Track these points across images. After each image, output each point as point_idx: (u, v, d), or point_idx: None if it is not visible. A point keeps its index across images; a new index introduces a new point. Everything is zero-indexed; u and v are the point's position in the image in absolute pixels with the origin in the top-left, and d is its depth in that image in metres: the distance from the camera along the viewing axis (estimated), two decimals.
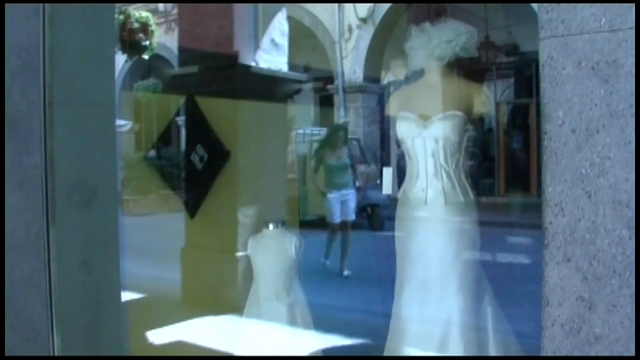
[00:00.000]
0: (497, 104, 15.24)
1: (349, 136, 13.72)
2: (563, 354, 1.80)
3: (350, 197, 8.29)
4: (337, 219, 8.15)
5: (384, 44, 14.98)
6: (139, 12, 8.33)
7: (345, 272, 7.90)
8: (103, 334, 3.01)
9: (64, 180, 2.84)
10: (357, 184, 9.25)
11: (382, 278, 5.83)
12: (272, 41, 6.39)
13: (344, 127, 9.27)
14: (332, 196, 8.10)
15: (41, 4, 2.78)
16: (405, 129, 3.55)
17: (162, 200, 12.53)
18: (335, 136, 8.52)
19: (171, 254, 6.34)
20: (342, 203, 8.15)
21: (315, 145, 12.69)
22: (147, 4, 10.13)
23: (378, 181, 10.57)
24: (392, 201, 5.55)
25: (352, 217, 8.32)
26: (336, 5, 15.43)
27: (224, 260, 5.86)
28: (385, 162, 14.63)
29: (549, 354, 1.83)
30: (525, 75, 14.95)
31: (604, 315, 1.75)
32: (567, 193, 1.79)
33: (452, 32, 3.52)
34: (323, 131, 14.63)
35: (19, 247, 2.73)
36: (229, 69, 6.10)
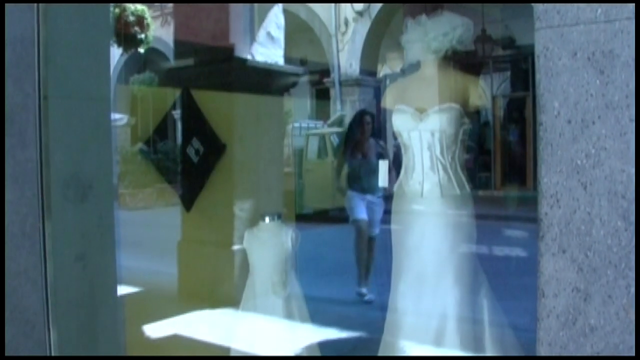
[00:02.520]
0: (494, 98, 15.24)
1: (343, 130, 13.74)
2: (559, 345, 1.80)
3: (377, 205, 6.39)
4: (362, 214, 6.38)
5: (381, 37, 14.98)
6: (135, 6, 8.29)
7: (367, 297, 6.17)
8: (99, 328, 3.01)
9: (59, 174, 2.84)
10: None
11: (379, 271, 5.84)
12: (268, 34, 6.38)
13: (369, 112, 6.94)
14: (354, 192, 6.44)
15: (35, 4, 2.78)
16: (401, 122, 3.55)
17: (158, 194, 12.53)
18: (360, 123, 6.60)
19: (167, 248, 6.34)
20: (367, 210, 6.41)
21: (333, 139, 12.60)
22: None
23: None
24: (388, 194, 5.54)
25: (376, 230, 6.44)
26: None
27: (220, 253, 5.86)
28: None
29: (545, 345, 1.83)
30: (521, 68, 14.95)
31: (599, 306, 1.75)
32: (563, 184, 1.79)
33: (448, 25, 3.51)
34: (319, 124, 14.63)
35: (14, 241, 2.73)
36: (224, 62, 6.08)
